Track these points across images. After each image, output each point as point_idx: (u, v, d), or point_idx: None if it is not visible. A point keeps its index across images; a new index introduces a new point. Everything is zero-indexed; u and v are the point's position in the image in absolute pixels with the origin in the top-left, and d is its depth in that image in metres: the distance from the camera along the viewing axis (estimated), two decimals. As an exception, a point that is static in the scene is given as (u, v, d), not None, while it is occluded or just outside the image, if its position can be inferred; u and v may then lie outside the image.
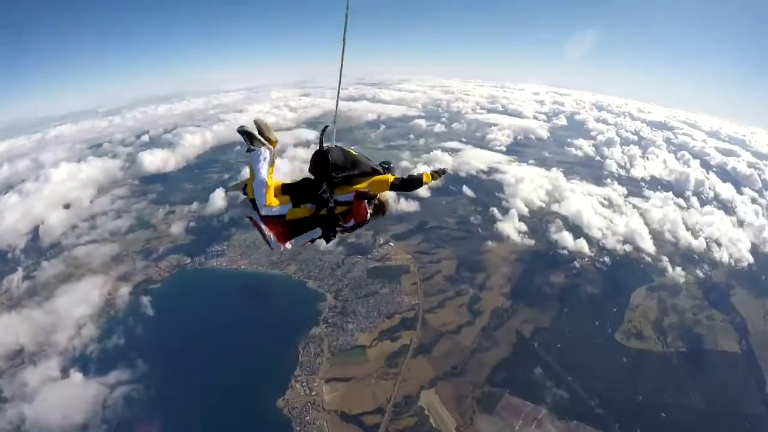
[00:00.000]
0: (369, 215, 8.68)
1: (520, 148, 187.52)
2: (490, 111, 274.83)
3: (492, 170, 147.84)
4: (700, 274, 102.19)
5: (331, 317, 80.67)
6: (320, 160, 7.58)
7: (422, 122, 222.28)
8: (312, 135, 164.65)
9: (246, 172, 8.23)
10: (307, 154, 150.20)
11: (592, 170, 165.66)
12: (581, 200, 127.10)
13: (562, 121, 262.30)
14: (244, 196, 8.09)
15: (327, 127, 9.24)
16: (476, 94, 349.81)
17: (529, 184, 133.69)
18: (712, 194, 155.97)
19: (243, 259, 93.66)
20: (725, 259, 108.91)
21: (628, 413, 64.04)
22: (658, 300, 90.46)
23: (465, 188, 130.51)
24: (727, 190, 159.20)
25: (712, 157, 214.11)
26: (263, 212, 7.22)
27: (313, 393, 65.77)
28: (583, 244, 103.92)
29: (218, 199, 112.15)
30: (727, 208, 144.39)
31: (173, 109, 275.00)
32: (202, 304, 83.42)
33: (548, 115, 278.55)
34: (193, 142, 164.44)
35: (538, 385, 68.06)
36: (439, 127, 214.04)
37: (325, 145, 8.13)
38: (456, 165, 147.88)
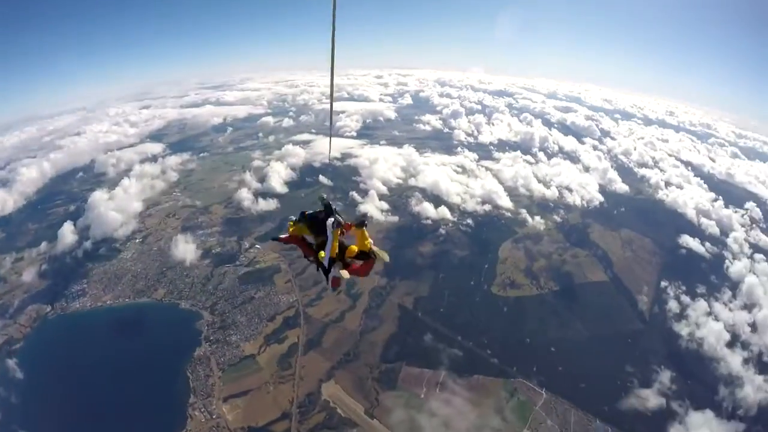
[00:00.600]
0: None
1: (370, 131, 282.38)
2: (336, 100, 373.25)
3: (345, 156, 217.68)
4: (558, 219, 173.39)
5: (212, 334, 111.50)
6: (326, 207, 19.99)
7: (269, 119, 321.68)
8: (158, 148, 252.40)
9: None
10: (153, 169, 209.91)
11: (442, 142, 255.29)
12: (436, 171, 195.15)
13: (407, 100, 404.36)
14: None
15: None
16: (321, 85, 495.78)
17: (384, 163, 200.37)
18: (556, 148, 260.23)
19: (107, 294, 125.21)
20: (578, 202, 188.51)
21: (520, 356, 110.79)
22: (524, 249, 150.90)
23: (322, 177, 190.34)
24: (569, 143, 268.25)
25: (552, 115, 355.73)
26: (332, 274, 18.95)
27: (214, 416, 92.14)
28: (444, 212, 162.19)
29: (67, 233, 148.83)
30: (572, 157, 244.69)
31: (2, 141, 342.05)
32: (74, 352, 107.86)
33: (394, 96, 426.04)
34: (31, 176, 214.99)
35: (432, 350, 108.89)
36: (287, 122, 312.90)
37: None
38: (309, 156, 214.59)
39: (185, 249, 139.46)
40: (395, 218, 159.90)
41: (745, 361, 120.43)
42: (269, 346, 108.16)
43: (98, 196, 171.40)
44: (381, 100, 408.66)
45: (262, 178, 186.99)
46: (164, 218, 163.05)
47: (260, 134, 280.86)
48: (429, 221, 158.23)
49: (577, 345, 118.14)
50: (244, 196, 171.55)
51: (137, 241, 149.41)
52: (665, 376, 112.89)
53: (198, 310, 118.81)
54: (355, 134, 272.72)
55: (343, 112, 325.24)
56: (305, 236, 21.60)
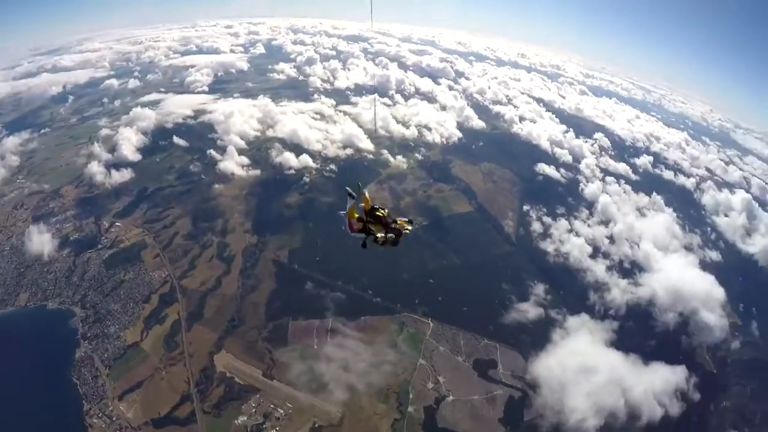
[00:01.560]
0: (380, 241, 25.18)
1: (223, 85, 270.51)
2: (184, 54, 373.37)
3: (199, 113, 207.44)
4: (419, 157, 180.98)
5: (88, 330, 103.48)
6: (369, 209, 26.39)
7: (114, 82, 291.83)
8: None
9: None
10: None
11: (298, 90, 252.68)
12: (294, 120, 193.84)
13: (260, 49, 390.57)
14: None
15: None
16: (167, 39, 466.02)
17: (240, 117, 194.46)
18: (413, 89, 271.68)
19: None
20: (437, 139, 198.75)
21: (401, 292, 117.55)
22: (389, 189, 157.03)
23: (176, 139, 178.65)
24: (425, 84, 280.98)
25: (407, 58, 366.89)
26: (346, 217, 26.23)
27: (114, 419, 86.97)
28: (307, 160, 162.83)
29: None
30: (429, 98, 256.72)
31: None
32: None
33: (245, 47, 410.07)
34: None
35: (315, 300, 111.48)
36: (133, 83, 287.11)
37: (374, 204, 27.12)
38: (160, 118, 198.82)
39: (41, 241, 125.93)
40: (257, 172, 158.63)
41: (608, 269, 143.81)
42: (151, 329, 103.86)
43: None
44: (232, 51, 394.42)
45: (112, 148, 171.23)
46: (11, 211, 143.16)
47: (105, 100, 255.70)
48: (292, 171, 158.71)
49: (453, 273, 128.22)
50: (95, 170, 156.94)
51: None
52: (539, 289, 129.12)
53: (68, 307, 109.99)
54: (207, 89, 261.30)
55: (192, 66, 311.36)
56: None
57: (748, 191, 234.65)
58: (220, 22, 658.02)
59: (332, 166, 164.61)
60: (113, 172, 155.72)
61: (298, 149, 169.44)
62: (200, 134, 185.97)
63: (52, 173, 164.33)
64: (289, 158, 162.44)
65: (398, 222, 26.45)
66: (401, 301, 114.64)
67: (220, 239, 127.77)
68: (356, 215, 26.75)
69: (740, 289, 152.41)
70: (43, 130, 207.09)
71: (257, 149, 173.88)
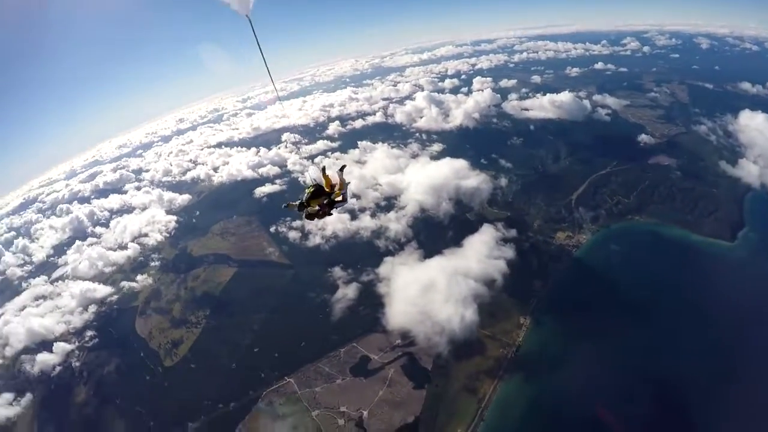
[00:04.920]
0: (329, 210, 32.77)
1: None
2: None
3: None
4: (156, 263, 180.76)
5: None
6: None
7: None
8: None
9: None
10: None
11: (2, 294, 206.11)
12: (22, 320, 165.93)
13: None
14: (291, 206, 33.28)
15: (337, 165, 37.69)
16: None
17: None
18: (107, 213, 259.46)
19: None
20: (159, 237, 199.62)
21: (247, 377, 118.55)
22: (154, 311, 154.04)
23: None
24: (114, 200, 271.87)
25: (83, 189, 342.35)
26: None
27: None
28: (62, 347, 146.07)
29: None
30: (127, 209, 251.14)
31: None
32: None
33: None
34: None
35: None
36: None
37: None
38: None
39: None
40: (28, 397, 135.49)
41: (373, 216, 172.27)
42: None
43: None
44: None
45: None
46: None
47: None
48: (59, 368, 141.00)
49: (268, 328, 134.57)
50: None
51: None
52: (336, 272, 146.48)
53: None
54: None
55: None
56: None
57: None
58: None
59: (89, 333, 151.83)
60: None
61: (46, 345, 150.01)
62: None
63: None
64: (46, 359, 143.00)
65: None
66: (252, 387, 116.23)
67: None
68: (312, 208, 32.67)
69: (473, 152, 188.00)
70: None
71: (11, 377, 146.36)
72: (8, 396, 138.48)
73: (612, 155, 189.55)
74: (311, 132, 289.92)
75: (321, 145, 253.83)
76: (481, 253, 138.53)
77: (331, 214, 34.04)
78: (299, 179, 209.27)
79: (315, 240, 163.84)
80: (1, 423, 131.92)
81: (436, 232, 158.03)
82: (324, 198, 32.81)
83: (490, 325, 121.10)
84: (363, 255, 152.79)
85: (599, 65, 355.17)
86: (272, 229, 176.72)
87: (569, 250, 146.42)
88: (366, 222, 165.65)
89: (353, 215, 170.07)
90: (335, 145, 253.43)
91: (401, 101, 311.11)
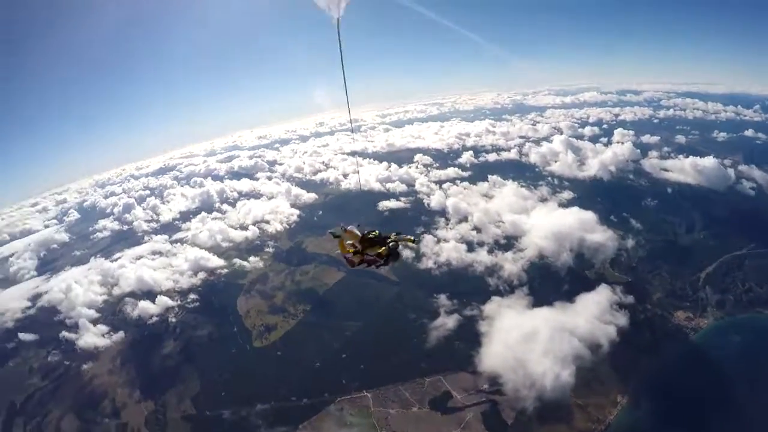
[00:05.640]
0: (381, 262, 25.98)
1: (50, 263, 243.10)
2: None
3: (35, 298, 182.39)
4: (270, 251, 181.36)
5: None
6: (361, 237, 26.64)
7: None
8: None
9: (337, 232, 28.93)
10: None
11: (127, 241, 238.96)
12: (135, 268, 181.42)
13: (74, 215, 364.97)
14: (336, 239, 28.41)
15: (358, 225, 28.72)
16: None
17: (79, 287, 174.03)
18: (236, 194, 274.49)
19: None
20: (279, 227, 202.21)
21: (323, 380, 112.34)
22: (258, 293, 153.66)
23: (22, 335, 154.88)
24: (245, 184, 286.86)
25: (219, 168, 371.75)
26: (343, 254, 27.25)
27: None
28: (165, 301, 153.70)
29: None
30: (255, 195, 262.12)
31: None
32: None
33: (58, 218, 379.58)
34: None
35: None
36: None
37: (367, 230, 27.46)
38: None
39: None
40: (120, 335, 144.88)
41: (490, 252, 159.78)
42: None
43: None
44: (47, 226, 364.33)
45: None
46: None
47: None
48: (155, 319, 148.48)
49: (361, 338, 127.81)
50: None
51: None
52: (442, 299, 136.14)
53: None
54: (35, 273, 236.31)
55: (11, 255, 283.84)
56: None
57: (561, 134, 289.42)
58: (23, 203, 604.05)
59: (192, 296, 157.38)
60: None
61: (151, 295, 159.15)
62: (46, 321, 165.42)
63: None
64: (147, 307, 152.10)
65: (392, 237, 27.30)
66: (329, 390, 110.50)
67: (116, 421, 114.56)
68: (350, 250, 27.40)
69: (603, 207, 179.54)
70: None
71: (111, 312, 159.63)
72: (103, 328, 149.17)
73: (751, 235, 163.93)
74: (444, 157, 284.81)
75: (451, 171, 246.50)
76: (592, 313, 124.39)
77: (373, 264, 27.43)
78: (424, 201, 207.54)
79: (427, 263, 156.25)
80: (88, 349, 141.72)
81: (550, 282, 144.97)
82: (378, 249, 26.55)
83: (584, 394, 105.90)
84: (471, 289, 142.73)
85: (749, 132, 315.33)
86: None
87: (687, 332, 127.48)
88: (482, 256, 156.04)
89: (471, 247, 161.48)
90: (465, 174, 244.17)
91: (538, 141, 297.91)
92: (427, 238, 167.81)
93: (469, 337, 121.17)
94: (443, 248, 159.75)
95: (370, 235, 27.28)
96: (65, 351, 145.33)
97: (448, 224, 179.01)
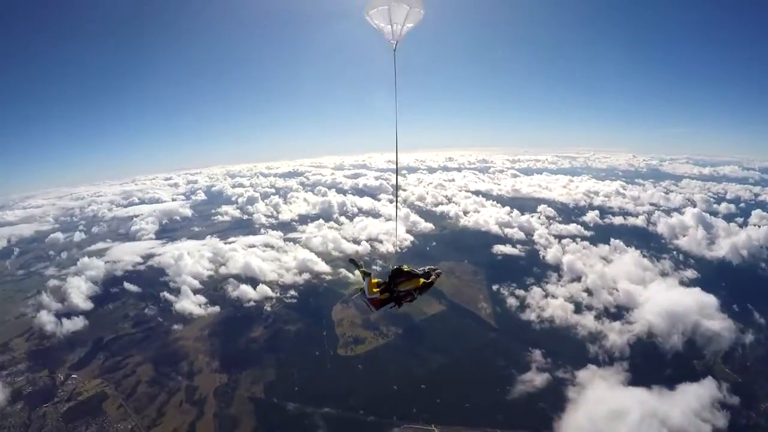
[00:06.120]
0: (416, 295, 24.70)
1: (168, 232, 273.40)
2: (127, 206, 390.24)
3: (148, 257, 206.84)
4: (377, 269, 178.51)
5: None
6: (392, 272, 23.68)
7: (59, 235, 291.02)
8: None
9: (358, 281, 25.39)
10: None
11: (244, 229, 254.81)
12: (245, 254, 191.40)
13: (201, 196, 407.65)
14: (359, 294, 25.10)
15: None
16: (109, 194, 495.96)
17: (190, 258, 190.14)
18: (355, 209, 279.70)
19: None
20: (390, 249, 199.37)
21: (395, 404, 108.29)
22: (354, 306, 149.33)
23: (127, 285, 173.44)
24: (366, 202, 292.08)
25: (344, 183, 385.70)
26: (368, 296, 23.99)
27: None
28: (265, 290, 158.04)
29: None
30: (373, 214, 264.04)
31: None
32: None
33: (186, 195, 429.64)
34: None
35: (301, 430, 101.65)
36: (78, 236, 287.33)
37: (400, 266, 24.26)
38: (109, 266, 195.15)
39: None
40: (216, 309, 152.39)
41: (597, 318, 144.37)
42: None
43: None
44: (174, 200, 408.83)
45: (62, 298, 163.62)
46: None
47: (51, 252, 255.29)
48: (252, 304, 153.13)
49: (444, 373, 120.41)
50: (45, 319, 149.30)
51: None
52: (537, 354, 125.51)
53: None
54: (153, 236, 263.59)
55: (136, 216, 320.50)
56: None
57: (694, 207, 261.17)
58: (159, 175, 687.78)
59: (292, 293, 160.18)
60: (64, 321, 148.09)
61: (254, 281, 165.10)
62: (152, 279, 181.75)
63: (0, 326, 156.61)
64: (247, 291, 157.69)
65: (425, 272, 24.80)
66: (397, 414, 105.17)
67: (187, 383, 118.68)
68: (375, 289, 24.92)
69: (727, 293, 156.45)
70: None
71: (213, 287, 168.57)
72: (202, 299, 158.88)
73: None
74: (568, 212, 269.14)
75: (573, 228, 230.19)
76: (691, 407, 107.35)
77: (402, 301, 25.11)
78: (540, 253, 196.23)
79: (530, 315, 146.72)
80: (183, 313, 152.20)
81: (653, 362, 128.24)
82: (415, 282, 24.47)
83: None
84: (569, 351, 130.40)
85: None
86: (494, 287, 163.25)
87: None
88: (587, 320, 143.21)
89: (578, 308, 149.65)
90: (587, 233, 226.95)
91: (668, 211, 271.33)
92: (536, 291, 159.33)
93: (555, 401, 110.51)
94: (549, 304, 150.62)
95: (404, 269, 24.41)
96: (162, 309, 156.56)
97: (559, 281, 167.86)
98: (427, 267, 25.43)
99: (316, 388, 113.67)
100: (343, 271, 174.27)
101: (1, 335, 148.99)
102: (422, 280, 24.16)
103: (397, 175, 31.77)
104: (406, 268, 24.35)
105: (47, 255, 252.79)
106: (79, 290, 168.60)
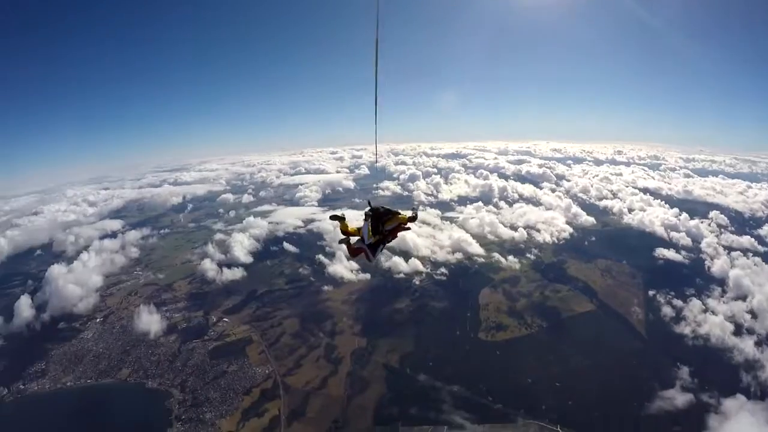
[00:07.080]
0: (406, 227, 24.17)
1: (330, 201, 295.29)
2: (294, 174, 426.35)
3: (308, 221, 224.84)
4: (532, 258, 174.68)
5: (183, 413, 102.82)
6: (374, 214, 23.50)
7: (229, 196, 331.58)
8: (117, 225, 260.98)
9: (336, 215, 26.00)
10: (113, 244, 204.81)
11: (403, 205, 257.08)
12: None
13: (364, 171, 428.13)
14: (358, 243, 24.17)
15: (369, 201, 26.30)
16: (278, 163, 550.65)
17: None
18: (516, 195, 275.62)
19: (67, 375, 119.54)
20: (548, 239, 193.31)
21: (525, 397, 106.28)
22: (503, 292, 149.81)
23: (286, 245, 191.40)
24: (527, 189, 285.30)
25: (507, 168, 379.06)
26: (367, 242, 23.21)
27: None
28: (416, 264, 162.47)
29: (24, 308, 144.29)
30: (533, 201, 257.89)
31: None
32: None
33: (350, 169, 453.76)
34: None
35: (428, 406, 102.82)
36: (247, 198, 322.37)
37: (374, 205, 24.06)
38: (271, 226, 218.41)
39: (149, 322, 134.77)
40: (366, 276, 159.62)
41: (757, 345, 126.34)
42: (248, 421, 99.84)
43: (56, 269, 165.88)
44: (338, 172, 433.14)
45: (226, 250, 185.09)
46: (126, 296, 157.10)
47: (220, 210, 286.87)
48: (402, 276, 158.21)
49: (583, 375, 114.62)
50: (208, 266, 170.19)
51: (98, 320, 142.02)
52: (684, 372, 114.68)
53: (167, 388, 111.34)
54: (316, 203, 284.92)
55: (302, 184, 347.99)
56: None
57: None
58: (325, 149, 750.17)
59: (443, 270, 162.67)
60: (225, 270, 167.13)
61: (406, 255, 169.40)
62: (310, 242, 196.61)
63: (167, 269, 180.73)
64: (399, 263, 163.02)
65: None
66: (525, 407, 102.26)
67: (328, 341, 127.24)
68: (353, 230, 25.44)
69: None
70: (162, 230, 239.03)
71: None
72: (354, 266, 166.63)
73: None
74: (742, 222, 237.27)
75: (746, 241, 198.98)
76: None
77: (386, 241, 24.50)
78: (705, 263, 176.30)
79: (684, 329, 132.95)
80: (335, 276, 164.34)
81: None
82: (398, 218, 24.03)
83: None
84: (719, 375, 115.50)
85: None
86: (651, 293, 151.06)
87: None
88: (746, 345, 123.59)
89: (738, 330, 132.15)
90: (761, 249, 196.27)
91: None
92: (695, 303, 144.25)
93: (693, 426, 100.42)
94: (707, 320, 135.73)
95: (381, 208, 24.21)
96: (315, 271, 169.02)
97: (722, 296, 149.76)
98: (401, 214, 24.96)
99: (450, 367, 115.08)
100: (497, 256, 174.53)
101: (167, 276, 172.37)
102: (404, 214, 24.20)
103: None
104: (382, 208, 24.49)
105: (217, 212, 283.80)
106: (242, 245, 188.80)
